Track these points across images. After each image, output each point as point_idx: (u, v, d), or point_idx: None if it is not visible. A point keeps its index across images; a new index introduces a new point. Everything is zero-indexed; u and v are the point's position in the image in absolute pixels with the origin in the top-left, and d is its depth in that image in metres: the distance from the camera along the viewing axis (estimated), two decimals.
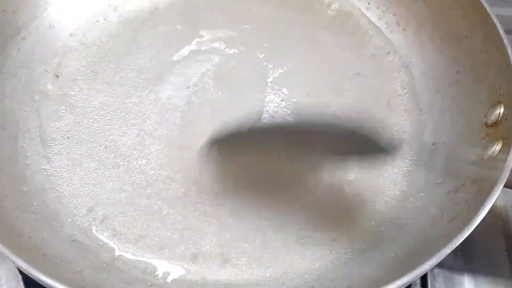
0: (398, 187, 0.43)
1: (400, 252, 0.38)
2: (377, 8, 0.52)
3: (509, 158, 0.37)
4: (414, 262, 0.34)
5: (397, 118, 0.47)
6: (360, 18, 0.52)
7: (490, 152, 0.40)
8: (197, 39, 0.50)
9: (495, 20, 0.43)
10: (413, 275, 0.32)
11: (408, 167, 0.44)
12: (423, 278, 0.44)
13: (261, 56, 0.49)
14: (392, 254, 0.39)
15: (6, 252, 0.32)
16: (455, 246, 0.34)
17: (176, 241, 0.40)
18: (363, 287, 0.36)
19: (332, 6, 0.53)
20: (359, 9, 0.53)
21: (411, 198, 0.42)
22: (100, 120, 0.45)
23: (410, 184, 0.43)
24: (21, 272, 0.42)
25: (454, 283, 0.44)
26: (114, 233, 0.40)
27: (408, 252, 0.38)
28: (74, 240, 0.39)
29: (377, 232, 0.41)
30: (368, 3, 0.52)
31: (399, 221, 0.41)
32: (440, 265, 0.43)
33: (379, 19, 0.52)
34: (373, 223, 0.41)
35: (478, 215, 0.35)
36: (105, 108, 0.46)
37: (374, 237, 0.41)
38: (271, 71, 0.48)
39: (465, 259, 0.45)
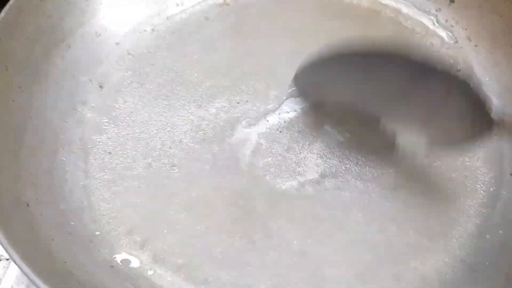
0: (472, 221, 0.38)
1: None
2: (446, 22, 0.48)
3: None
4: None
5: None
6: (427, 32, 0.48)
7: None
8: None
9: None
10: None
11: (482, 198, 0.39)
12: None
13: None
14: None
15: (39, 282, 0.29)
16: None
17: (221, 271, 0.36)
18: None
19: (397, 20, 0.48)
20: (425, 23, 0.48)
21: (487, 235, 0.37)
22: (145, 134, 0.42)
23: (485, 218, 0.38)
24: None
25: None
26: (155, 259, 0.37)
27: None
28: (112, 266, 0.36)
29: (447, 272, 0.36)
30: (436, 16, 0.48)
31: (473, 260, 0.37)
32: None
33: (448, 33, 0.47)
34: (445, 260, 0.37)
35: None
36: (150, 122, 0.43)
37: (444, 278, 0.36)
38: None
39: None
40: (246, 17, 0.49)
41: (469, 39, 0.47)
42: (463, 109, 0.34)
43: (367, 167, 0.40)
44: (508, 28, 0.44)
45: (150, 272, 0.36)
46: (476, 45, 0.46)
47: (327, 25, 0.48)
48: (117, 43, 0.47)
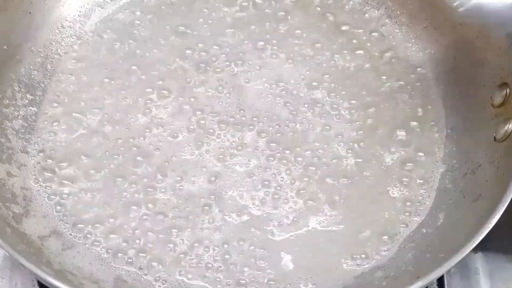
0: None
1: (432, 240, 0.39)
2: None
3: None
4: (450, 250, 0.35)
5: (400, 110, 0.46)
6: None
7: (502, 131, 0.40)
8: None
9: None
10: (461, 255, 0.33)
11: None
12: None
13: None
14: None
15: None
16: (491, 225, 0.34)
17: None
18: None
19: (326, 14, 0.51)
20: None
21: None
22: None
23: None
24: None
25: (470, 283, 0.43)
26: None
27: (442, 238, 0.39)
28: None
29: (397, 220, 0.42)
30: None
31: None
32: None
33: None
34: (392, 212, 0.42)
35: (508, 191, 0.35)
36: None
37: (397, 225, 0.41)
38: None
39: (482, 255, 0.44)
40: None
41: (389, 17, 0.51)
42: None
43: None
44: (422, 6, 0.49)
45: None
46: (396, 22, 0.51)
47: None
48: None
